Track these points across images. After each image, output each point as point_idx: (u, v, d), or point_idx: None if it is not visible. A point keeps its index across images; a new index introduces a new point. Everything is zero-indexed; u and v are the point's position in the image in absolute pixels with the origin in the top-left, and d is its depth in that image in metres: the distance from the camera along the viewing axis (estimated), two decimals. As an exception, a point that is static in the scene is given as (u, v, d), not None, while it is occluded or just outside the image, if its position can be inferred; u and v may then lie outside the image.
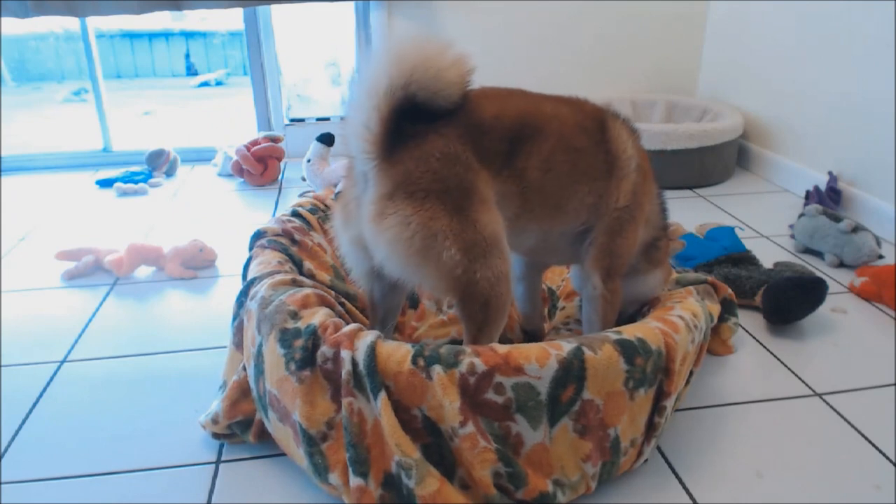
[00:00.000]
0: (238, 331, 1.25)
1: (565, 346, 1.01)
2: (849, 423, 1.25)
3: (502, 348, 1.00)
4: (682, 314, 1.14)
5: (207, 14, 5.82)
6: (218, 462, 1.17)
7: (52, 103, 5.46)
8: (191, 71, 6.61)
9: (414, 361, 0.99)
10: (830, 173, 2.27)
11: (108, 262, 1.90)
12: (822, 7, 2.31)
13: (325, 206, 1.63)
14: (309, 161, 2.35)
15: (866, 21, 2.12)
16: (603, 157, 1.19)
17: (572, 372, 0.99)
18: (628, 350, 1.03)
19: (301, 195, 2.49)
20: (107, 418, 1.29)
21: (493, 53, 2.92)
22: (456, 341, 1.35)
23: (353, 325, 1.06)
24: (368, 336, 1.03)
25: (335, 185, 1.79)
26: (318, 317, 1.08)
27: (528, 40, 2.95)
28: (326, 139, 2.35)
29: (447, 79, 1.01)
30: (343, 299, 1.36)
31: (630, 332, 1.07)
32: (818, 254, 1.96)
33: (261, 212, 2.43)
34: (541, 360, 0.98)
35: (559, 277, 1.67)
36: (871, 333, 1.57)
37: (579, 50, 2.97)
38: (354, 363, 1.00)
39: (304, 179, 2.73)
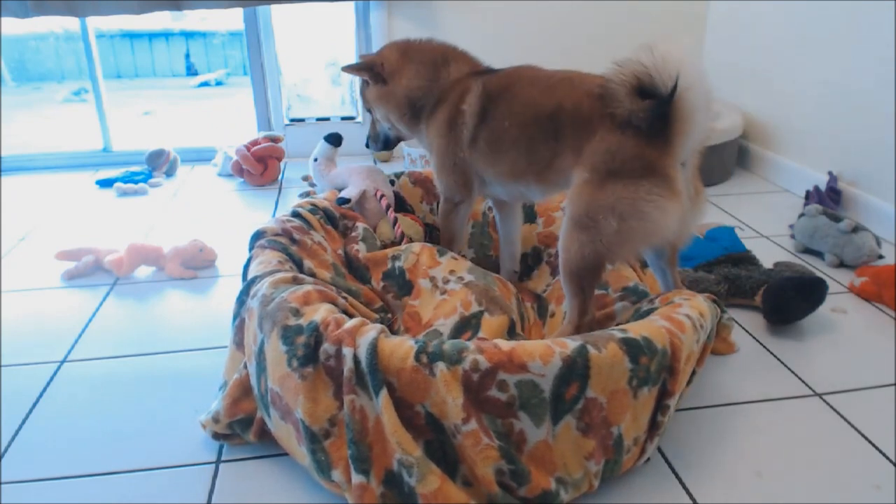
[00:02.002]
0: (239, 330, 1.25)
1: (570, 344, 1.01)
2: (849, 423, 1.25)
3: (506, 345, 1.00)
4: (690, 313, 1.14)
5: (207, 14, 5.82)
6: (218, 462, 1.17)
7: (52, 103, 5.46)
8: (191, 71, 6.61)
9: (417, 358, 0.99)
10: (830, 173, 2.27)
11: (108, 262, 1.90)
12: (822, 7, 2.31)
13: (325, 207, 1.62)
14: (316, 160, 2.33)
15: (866, 21, 2.12)
16: None
17: (576, 370, 0.99)
18: (633, 349, 1.03)
19: (301, 195, 2.50)
20: (107, 418, 1.29)
21: (492, 53, 2.90)
22: (464, 318, 1.34)
23: (355, 321, 1.06)
24: (371, 332, 1.03)
25: (340, 190, 1.78)
26: (320, 313, 1.08)
27: (527, 40, 2.95)
28: (334, 140, 2.32)
29: None
30: (345, 294, 1.36)
31: (636, 330, 1.06)
32: (818, 254, 1.96)
33: (261, 212, 2.43)
34: (545, 357, 0.98)
35: (544, 283, 1.67)
36: (871, 333, 1.57)
37: (579, 50, 2.96)
38: (356, 360, 1.00)
39: (304, 179, 2.73)
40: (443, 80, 1.51)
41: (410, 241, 1.67)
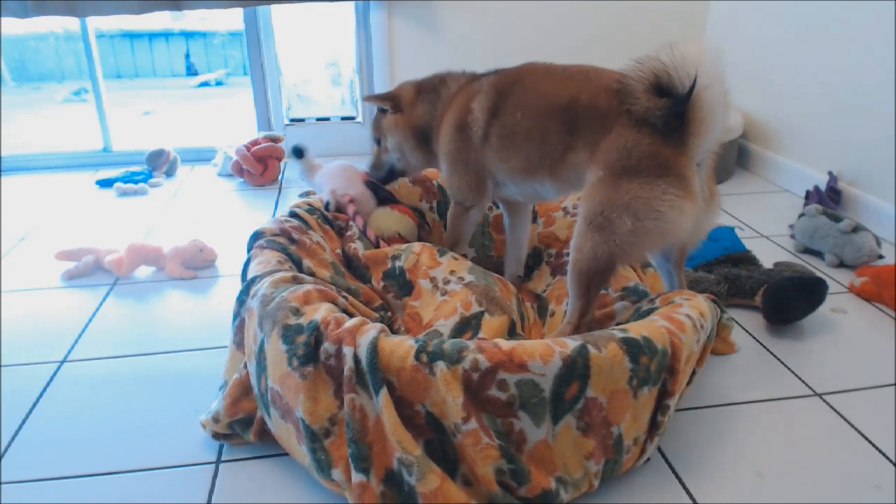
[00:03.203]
0: (239, 330, 1.25)
1: (570, 344, 1.01)
2: (849, 423, 1.25)
3: (506, 345, 1.00)
4: (690, 313, 1.14)
5: (207, 14, 5.82)
6: (218, 462, 1.17)
7: (52, 103, 5.45)
8: (191, 71, 6.61)
9: (417, 357, 0.99)
10: (830, 173, 2.27)
11: (108, 262, 1.90)
12: (823, 7, 2.31)
13: (321, 207, 1.62)
14: (303, 180, 2.33)
15: (867, 20, 2.12)
16: None
17: (576, 370, 0.99)
18: (633, 349, 1.03)
19: (301, 195, 2.50)
20: (107, 418, 1.29)
21: (492, 54, 2.92)
22: (465, 318, 1.35)
23: (355, 320, 1.07)
24: (371, 331, 1.03)
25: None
26: (321, 312, 1.08)
27: (527, 40, 2.95)
28: (297, 152, 2.26)
29: None
30: (345, 293, 1.36)
31: (636, 330, 1.06)
32: (818, 254, 1.96)
33: (261, 212, 2.43)
34: (545, 357, 0.98)
35: (544, 283, 1.66)
36: (871, 333, 1.57)
37: (579, 50, 2.96)
38: (357, 359, 1.00)
39: (304, 179, 2.73)
40: (443, 96, 1.55)
41: (400, 236, 1.67)
